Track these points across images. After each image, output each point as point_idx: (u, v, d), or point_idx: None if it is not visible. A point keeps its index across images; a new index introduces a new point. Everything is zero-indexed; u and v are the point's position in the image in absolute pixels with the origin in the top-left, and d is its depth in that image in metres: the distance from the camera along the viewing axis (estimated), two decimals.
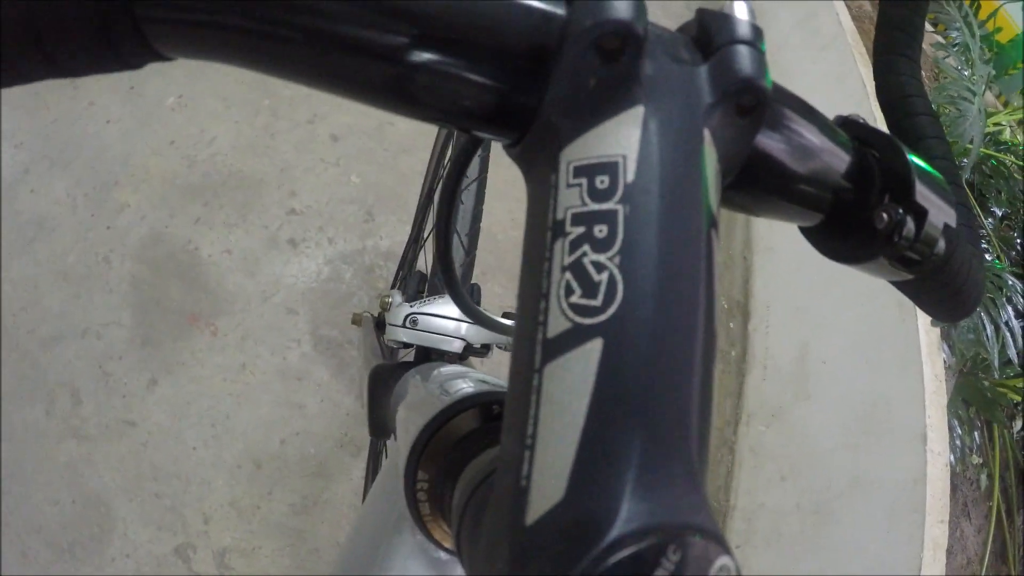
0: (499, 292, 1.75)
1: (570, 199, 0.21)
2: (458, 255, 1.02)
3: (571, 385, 0.19)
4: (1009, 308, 1.59)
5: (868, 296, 1.41)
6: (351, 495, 1.49)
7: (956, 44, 1.72)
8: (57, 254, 1.73)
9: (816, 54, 2.04)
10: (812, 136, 0.29)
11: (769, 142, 0.28)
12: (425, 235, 1.19)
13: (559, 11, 0.23)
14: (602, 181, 0.21)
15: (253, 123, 1.98)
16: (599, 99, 0.22)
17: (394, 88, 0.23)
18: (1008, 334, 1.58)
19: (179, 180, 1.86)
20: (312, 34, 0.22)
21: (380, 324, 1.06)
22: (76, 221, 1.80)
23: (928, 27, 2.09)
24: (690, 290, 0.21)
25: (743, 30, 0.24)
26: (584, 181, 0.21)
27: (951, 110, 1.59)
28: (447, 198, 0.39)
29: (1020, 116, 1.87)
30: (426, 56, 0.22)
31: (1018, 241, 1.81)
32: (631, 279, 0.20)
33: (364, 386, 0.72)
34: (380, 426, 0.68)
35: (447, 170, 0.40)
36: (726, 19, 0.24)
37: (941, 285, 0.34)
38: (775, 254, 1.85)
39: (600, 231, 0.20)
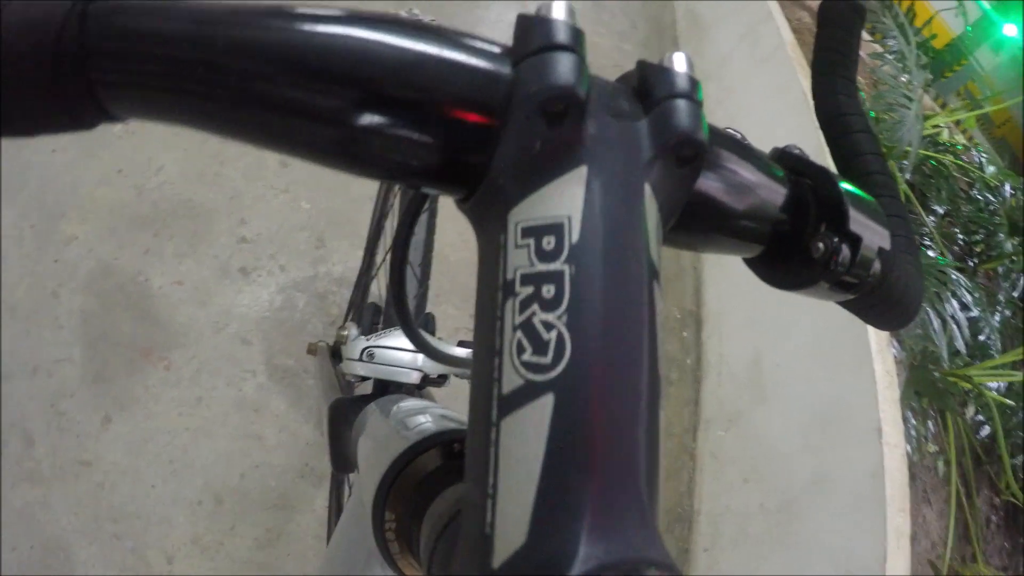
0: (453, 314, 1.77)
1: (519, 260, 0.22)
2: (412, 285, 1.03)
3: (526, 438, 0.21)
4: (954, 301, 1.65)
5: (817, 299, 1.44)
6: (315, 526, 1.49)
7: (893, 52, 1.78)
8: (4, 289, 1.69)
9: (758, 67, 2.09)
10: (748, 174, 0.31)
11: (708, 184, 0.29)
12: (377, 265, 1.20)
13: (505, 70, 0.24)
14: (548, 242, 0.22)
15: (201, 151, 1.95)
16: (544, 160, 0.23)
17: (343, 150, 0.25)
18: (955, 326, 1.64)
19: (128, 210, 1.84)
20: (262, 102, 0.23)
21: (336, 353, 1.07)
22: (22, 254, 1.76)
23: (865, 36, 2.17)
24: (634, 342, 0.22)
25: (681, 83, 0.25)
26: (532, 242, 0.22)
27: (890, 116, 1.65)
28: (399, 252, 0.40)
29: (956, 118, 1.94)
30: (374, 119, 0.23)
31: (960, 237, 1.88)
32: (578, 337, 0.21)
33: (324, 419, 0.73)
34: (342, 460, 0.69)
35: (398, 225, 0.41)
36: (665, 72, 0.26)
37: (880, 301, 0.36)
38: (724, 263, 1.88)
39: (548, 291, 0.22)
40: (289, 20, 0.23)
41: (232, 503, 1.48)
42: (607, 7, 3.00)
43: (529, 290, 0.22)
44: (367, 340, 0.78)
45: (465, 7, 2.76)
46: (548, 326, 0.21)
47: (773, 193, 0.32)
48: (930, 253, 1.77)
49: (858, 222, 0.31)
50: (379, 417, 0.54)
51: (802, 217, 0.33)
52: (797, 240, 0.33)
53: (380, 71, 0.23)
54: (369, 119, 0.23)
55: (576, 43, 0.24)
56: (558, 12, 0.24)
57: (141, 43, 0.23)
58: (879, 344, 1.34)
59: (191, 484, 1.48)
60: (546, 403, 0.21)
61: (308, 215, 1.86)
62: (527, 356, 0.21)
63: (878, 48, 1.91)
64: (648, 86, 0.26)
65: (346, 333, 0.84)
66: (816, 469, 1.35)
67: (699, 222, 0.30)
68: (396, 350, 0.76)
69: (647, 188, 0.24)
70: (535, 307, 0.22)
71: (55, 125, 0.24)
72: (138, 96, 0.23)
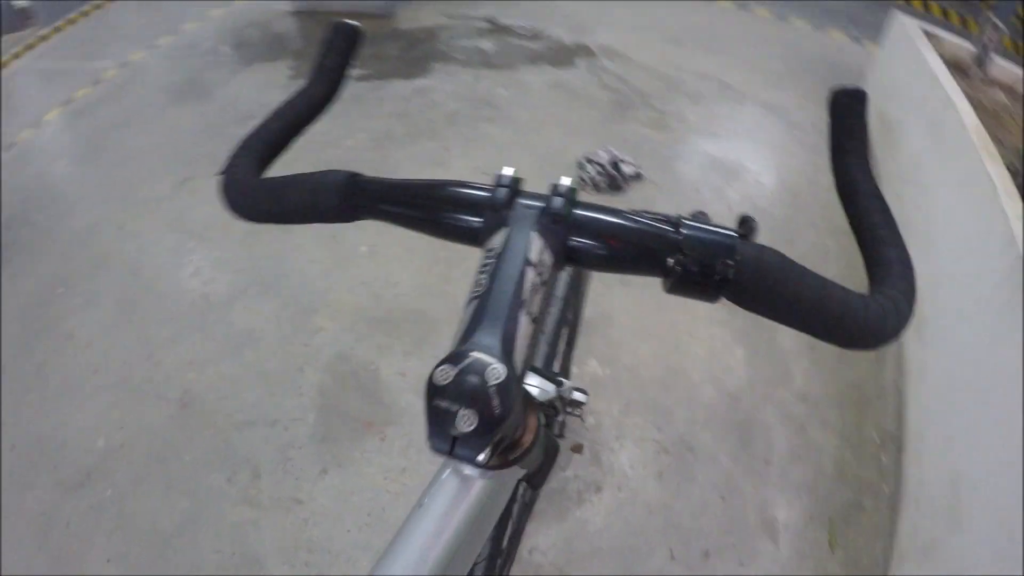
0: (640, 424, 2.04)
1: (483, 261, 0.55)
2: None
3: (468, 313, 0.51)
4: None
5: (1016, 411, 1.42)
6: None
7: None
8: (260, 359, 2.27)
9: (946, 161, 2.19)
10: (620, 230, 0.57)
11: (588, 235, 0.57)
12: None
13: (487, 193, 0.59)
14: (491, 255, 0.55)
15: (431, 271, 2.57)
16: (495, 226, 0.57)
17: (446, 232, 0.61)
18: None
19: (367, 313, 2.41)
20: (405, 215, 0.63)
21: None
22: (279, 336, 2.35)
23: None
24: (509, 284, 0.52)
25: (561, 190, 0.58)
26: (487, 256, 0.55)
27: None
28: None
29: None
30: (445, 215, 0.60)
31: None
32: (488, 283, 0.52)
33: None
34: None
35: None
36: (555, 186, 0.58)
37: (787, 309, 0.53)
38: (927, 378, 1.91)
39: (486, 268, 0.54)
40: (406, 185, 0.63)
41: None
42: (799, 125, 3.48)
43: (482, 268, 0.54)
44: None
45: (665, 141, 3.36)
46: (482, 279, 0.53)
47: (653, 239, 0.55)
48: None
49: (697, 252, 0.53)
50: None
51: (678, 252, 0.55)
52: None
53: (433, 202, 0.61)
54: (444, 215, 0.60)
55: (509, 183, 0.58)
56: (508, 171, 0.59)
57: (365, 196, 0.63)
58: None
59: (381, 536, 1.79)
60: (476, 301, 0.51)
61: None
62: (476, 289, 0.52)
63: None
64: (551, 190, 0.58)
65: None
66: None
67: (592, 253, 0.57)
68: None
69: (533, 233, 0.55)
70: (483, 276, 0.53)
71: (336, 220, 0.64)
72: (369, 212, 0.63)
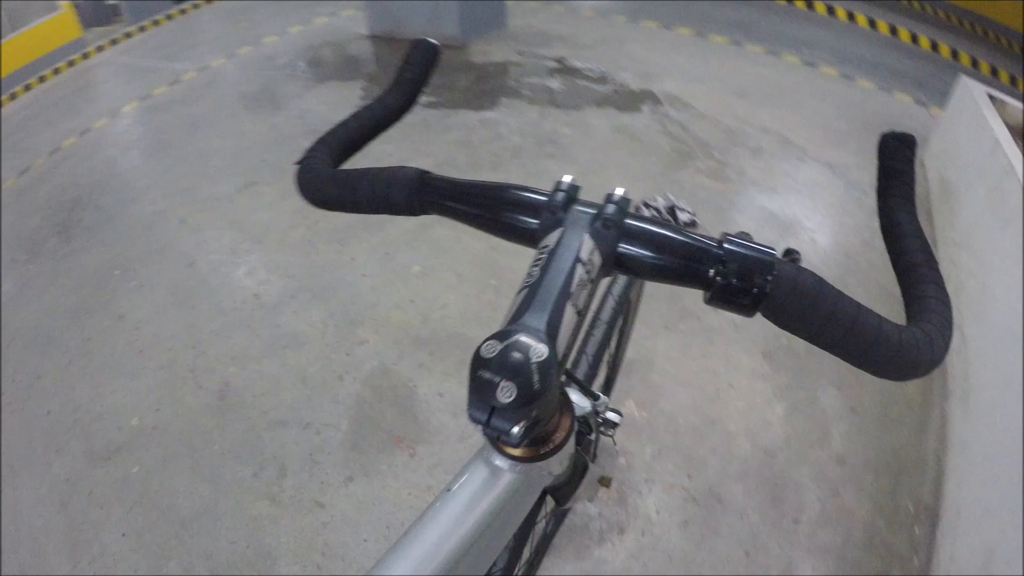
0: (672, 471, 2.01)
1: (538, 256, 0.57)
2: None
3: (517, 300, 0.54)
4: None
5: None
6: None
7: None
8: (302, 363, 2.31)
9: (1004, 228, 2.13)
10: (667, 242, 0.60)
11: (635, 241, 0.60)
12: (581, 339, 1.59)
13: (545, 197, 0.62)
14: (544, 251, 0.57)
15: (480, 297, 2.59)
16: (551, 226, 0.60)
17: (504, 230, 0.65)
18: None
19: (412, 331, 2.43)
20: (478, 216, 0.65)
21: None
22: (323, 343, 2.39)
23: None
24: (557, 279, 0.54)
25: (613, 198, 0.60)
26: (541, 251, 0.58)
27: None
28: None
29: None
30: (505, 214, 0.64)
31: None
32: (539, 274, 0.55)
33: None
34: None
35: None
36: (608, 195, 0.61)
37: (821, 329, 0.54)
38: (970, 450, 1.85)
39: (539, 263, 0.56)
40: (473, 184, 0.67)
41: None
42: (858, 185, 3.45)
43: (535, 267, 0.56)
44: None
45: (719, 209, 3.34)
46: (534, 271, 0.55)
47: (697, 251, 0.59)
48: None
49: (737, 266, 0.56)
50: None
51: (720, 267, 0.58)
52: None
53: (501, 202, 0.64)
54: (505, 216, 0.63)
55: (568, 189, 0.62)
56: (567, 178, 0.63)
57: (433, 192, 0.67)
58: None
59: None
60: (526, 290, 0.54)
61: None
62: (527, 280, 0.55)
63: None
64: (605, 199, 0.61)
65: None
66: None
67: (639, 260, 0.60)
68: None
69: (586, 235, 0.58)
70: (534, 267, 0.56)
71: (403, 213, 0.68)
72: (435, 208, 0.67)
